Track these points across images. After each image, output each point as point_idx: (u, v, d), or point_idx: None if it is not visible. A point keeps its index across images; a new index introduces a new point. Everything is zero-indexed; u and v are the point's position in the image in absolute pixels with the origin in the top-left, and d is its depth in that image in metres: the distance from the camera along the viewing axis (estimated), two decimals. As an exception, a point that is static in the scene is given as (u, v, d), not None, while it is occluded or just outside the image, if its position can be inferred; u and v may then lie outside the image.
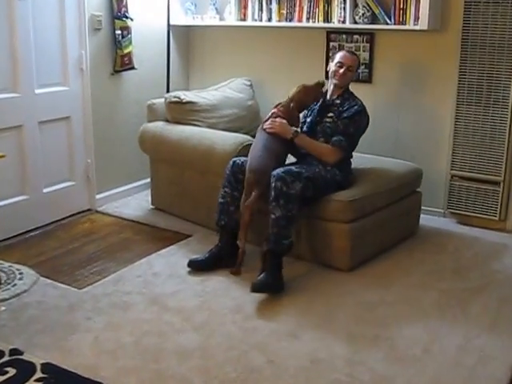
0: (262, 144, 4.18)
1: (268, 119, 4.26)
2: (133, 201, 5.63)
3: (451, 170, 5.05)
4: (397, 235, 4.63)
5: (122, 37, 5.23)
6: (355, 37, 5.27)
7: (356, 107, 4.30)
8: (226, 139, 4.62)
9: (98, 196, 5.42)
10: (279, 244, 3.91)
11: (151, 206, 5.42)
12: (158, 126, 5.06)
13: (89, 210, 5.39)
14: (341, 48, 5.28)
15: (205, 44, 6.04)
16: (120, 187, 5.63)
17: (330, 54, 5.35)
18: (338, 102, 4.34)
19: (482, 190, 4.96)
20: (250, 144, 4.45)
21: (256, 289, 3.80)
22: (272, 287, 3.86)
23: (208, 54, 6.04)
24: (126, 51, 5.30)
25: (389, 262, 4.40)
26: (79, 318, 3.61)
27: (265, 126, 4.20)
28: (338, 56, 4.38)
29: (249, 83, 5.60)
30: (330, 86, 4.39)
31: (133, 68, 5.43)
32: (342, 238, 4.15)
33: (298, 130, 4.31)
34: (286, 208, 3.90)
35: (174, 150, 4.90)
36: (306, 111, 4.46)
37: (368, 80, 5.29)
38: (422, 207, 4.94)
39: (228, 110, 5.25)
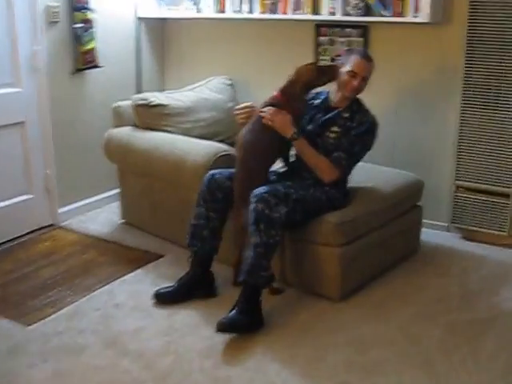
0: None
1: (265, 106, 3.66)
2: (102, 214, 5.06)
3: (456, 180, 4.50)
4: (395, 256, 4.09)
5: (83, 31, 4.66)
6: (347, 30, 4.70)
7: (367, 125, 3.71)
8: (198, 149, 4.04)
9: (60, 210, 4.85)
10: (256, 276, 3.34)
11: (121, 220, 4.86)
12: (124, 133, 4.48)
13: (51, 225, 4.84)
14: (333, 42, 4.73)
15: (181, 39, 5.45)
16: (86, 199, 5.07)
17: (320, 50, 4.80)
18: (346, 115, 3.72)
19: (490, 203, 4.42)
20: (227, 155, 3.88)
21: (222, 328, 3.26)
22: (243, 326, 3.30)
23: (185, 49, 5.46)
24: (87, 47, 4.73)
25: (386, 288, 3.85)
26: (20, 366, 3.07)
27: (263, 115, 3.60)
28: (352, 62, 3.65)
29: (229, 82, 5.03)
30: (335, 93, 3.78)
31: (97, 66, 4.85)
32: (332, 264, 3.61)
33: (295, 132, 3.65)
34: (267, 234, 3.33)
35: (141, 161, 4.33)
36: (306, 117, 3.84)
37: (361, 79, 4.68)
38: (424, 220, 4.40)
39: (205, 114, 4.68)
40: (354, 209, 3.70)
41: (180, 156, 4.06)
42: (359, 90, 3.68)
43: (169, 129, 4.46)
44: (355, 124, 3.69)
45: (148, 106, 4.42)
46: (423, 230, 4.42)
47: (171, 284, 3.71)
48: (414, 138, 4.64)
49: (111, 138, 4.54)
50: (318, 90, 3.80)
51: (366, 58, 3.69)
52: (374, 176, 4.15)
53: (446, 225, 4.63)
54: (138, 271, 4.08)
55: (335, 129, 3.70)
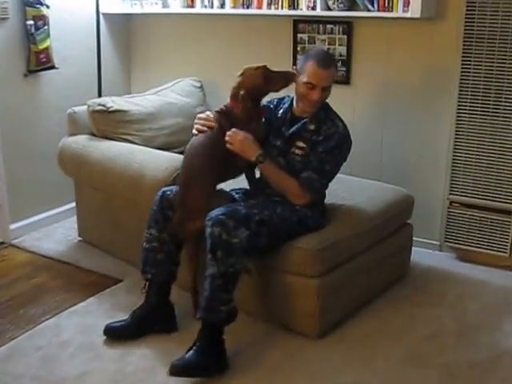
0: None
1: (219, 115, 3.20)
2: (58, 230, 4.54)
3: (450, 194, 3.99)
4: (382, 282, 3.60)
5: (36, 28, 4.13)
6: (329, 27, 4.19)
7: (336, 137, 3.17)
8: (158, 162, 3.53)
9: (12, 226, 4.35)
10: (215, 312, 2.85)
11: (78, 238, 4.34)
12: (79, 142, 3.96)
13: (1, 243, 4.32)
14: (313, 40, 4.20)
15: (148, 37, 4.93)
16: (41, 213, 4.55)
17: (298, 49, 4.29)
18: (311, 127, 3.19)
19: (488, 220, 3.92)
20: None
21: (175, 371, 2.78)
22: (201, 370, 2.81)
23: (152, 49, 4.93)
24: (41, 46, 4.21)
25: (371, 321, 3.35)
26: None
27: (227, 139, 3.08)
28: (307, 71, 3.08)
29: (198, 85, 4.52)
30: (296, 103, 3.26)
31: (52, 67, 4.33)
32: (308, 297, 3.10)
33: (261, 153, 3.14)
34: (226, 263, 2.84)
35: (96, 175, 3.83)
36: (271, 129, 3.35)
37: (345, 81, 4.21)
38: (414, 238, 3.89)
39: (169, 120, 4.16)
40: (334, 231, 3.20)
41: (137, 170, 3.55)
42: (320, 101, 3.15)
43: (128, 138, 3.96)
44: (322, 137, 3.16)
45: (105, 112, 3.91)
46: (413, 248, 3.92)
47: (126, 315, 3.22)
48: (402, 147, 4.14)
49: (65, 148, 4.03)
50: (282, 94, 3.31)
51: (324, 65, 3.07)
52: (358, 191, 3.66)
53: (438, 243, 4.14)
54: (91, 300, 3.58)
55: (301, 144, 3.19)
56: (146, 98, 4.21)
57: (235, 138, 3.06)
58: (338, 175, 3.63)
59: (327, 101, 3.23)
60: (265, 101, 3.31)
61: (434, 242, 4.15)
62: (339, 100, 3.79)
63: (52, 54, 4.29)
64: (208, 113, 3.26)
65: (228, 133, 3.06)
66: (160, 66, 4.90)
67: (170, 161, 3.51)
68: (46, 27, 4.19)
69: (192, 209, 3.04)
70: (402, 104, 4.07)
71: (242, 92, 3.05)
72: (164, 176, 3.40)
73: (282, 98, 3.35)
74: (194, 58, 4.74)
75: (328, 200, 3.40)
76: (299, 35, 4.28)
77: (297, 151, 3.17)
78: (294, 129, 3.21)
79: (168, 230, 3.15)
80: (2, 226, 4.29)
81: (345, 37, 4.13)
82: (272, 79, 3.07)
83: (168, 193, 3.17)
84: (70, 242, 4.34)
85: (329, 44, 4.18)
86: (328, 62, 3.12)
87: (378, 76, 4.09)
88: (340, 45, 4.16)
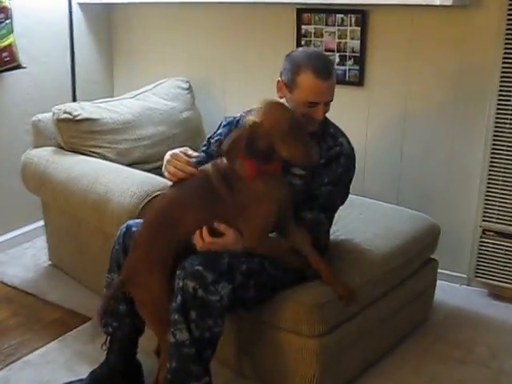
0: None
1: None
2: (29, 251, 3.93)
3: (482, 221, 3.27)
4: (397, 335, 2.93)
5: (-4, 23, 3.48)
6: (339, 17, 3.48)
7: (343, 159, 2.52)
8: (126, 185, 2.86)
9: (-29, 250, 3.70)
10: None
11: (49, 262, 3.74)
12: (43, 157, 3.33)
13: (-40, 269, 3.69)
14: (320, 33, 3.52)
15: (132, 30, 4.25)
16: (9, 233, 3.92)
17: (303, 44, 3.58)
18: None
19: (528, 252, 3.21)
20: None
21: None
22: None
23: (137, 44, 4.26)
24: (3, 44, 3.57)
25: (383, 384, 2.66)
26: None
27: (195, 242, 2.33)
28: (304, 86, 2.38)
29: (186, 86, 3.84)
30: None
31: (18, 67, 3.68)
32: (305, 361, 2.44)
33: None
34: (201, 326, 2.20)
35: (59, 196, 3.21)
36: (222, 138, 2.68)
37: (358, 81, 3.51)
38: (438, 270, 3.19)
39: (149, 129, 3.52)
40: (341, 277, 2.50)
41: (102, 194, 2.90)
42: (323, 117, 2.48)
43: (99, 151, 3.31)
44: (324, 160, 2.50)
45: (71, 120, 3.26)
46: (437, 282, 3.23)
47: (89, 368, 2.61)
48: (426, 163, 3.42)
49: (27, 163, 3.40)
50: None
51: (324, 75, 2.36)
52: (371, 219, 2.99)
53: (467, 277, 3.44)
54: (52, 345, 2.97)
55: (299, 172, 2.50)
56: (123, 102, 3.55)
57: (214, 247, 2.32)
58: (349, 197, 3.04)
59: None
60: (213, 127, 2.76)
61: (462, 275, 3.45)
62: (350, 105, 3.15)
63: (17, 52, 3.64)
64: (188, 151, 2.47)
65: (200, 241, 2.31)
66: (146, 64, 4.23)
67: (140, 184, 2.83)
68: (7, 21, 3.55)
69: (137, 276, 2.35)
70: (427, 111, 3.34)
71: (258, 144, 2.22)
72: (131, 203, 2.75)
73: None
74: (183, 55, 4.06)
75: (333, 231, 2.73)
76: (304, 27, 3.59)
77: (294, 181, 2.50)
78: None
79: None
80: (-39, 248, 3.68)
81: (358, 29, 3.43)
82: (297, 138, 2.22)
83: (134, 229, 2.51)
84: (38, 266, 3.72)
85: (339, 38, 3.49)
86: (328, 68, 2.42)
87: (398, 76, 3.38)
88: (352, 38, 3.46)
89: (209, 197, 2.28)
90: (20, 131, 3.76)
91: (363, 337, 2.63)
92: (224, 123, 2.70)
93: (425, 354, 2.87)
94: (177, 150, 2.44)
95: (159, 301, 2.28)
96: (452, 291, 3.40)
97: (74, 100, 3.90)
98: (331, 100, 2.44)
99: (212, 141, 2.69)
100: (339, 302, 2.41)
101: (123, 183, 2.86)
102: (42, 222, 3.75)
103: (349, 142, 2.57)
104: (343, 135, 2.58)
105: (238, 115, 2.67)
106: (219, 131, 2.70)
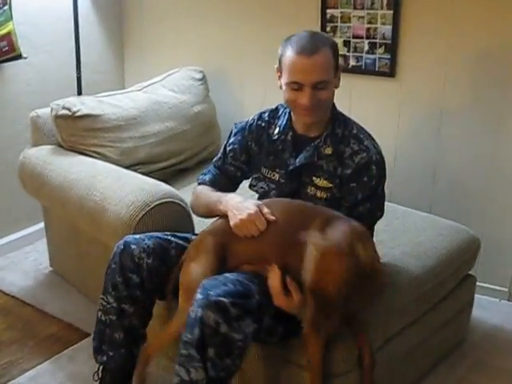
0: None
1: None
2: (31, 255, 3.64)
3: (527, 231, 2.86)
4: (427, 363, 2.57)
5: (-8, 9, 3.18)
6: (369, -1, 3.09)
7: (374, 169, 2.14)
8: (123, 193, 2.52)
9: (-30, 254, 3.43)
10: None
11: (50, 268, 3.45)
12: (40, 157, 3.02)
13: (-42, 274, 3.42)
14: (347, 18, 3.16)
15: (143, 16, 3.91)
16: (9, 235, 3.65)
17: (328, 30, 3.21)
18: (327, 151, 2.18)
19: None
20: (166, 203, 2.39)
21: None
22: None
23: (148, 31, 3.90)
24: (1, 32, 3.25)
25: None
26: None
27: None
28: (287, 65, 2.07)
29: (199, 76, 3.49)
30: (293, 118, 2.25)
31: (19, 57, 3.37)
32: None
33: None
34: (219, 366, 1.87)
35: (56, 202, 2.89)
36: (236, 147, 2.37)
37: (388, 72, 3.12)
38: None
39: (157, 125, 3.18)
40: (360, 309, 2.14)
41: (99, 202, 2.57)
42: (318, 107, 2.10)
43: (101, 150, 2.99)
44: (351, 171, 2.14)
45: (70, 117, 2.93)
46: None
47: None
48: (464, 167, 3.02)
49: (25, 163, 3.08)
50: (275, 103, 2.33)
51: (307, 50, 2.03)
52: (401, 231, 2.62)
53: (508, 291, 3.06)
54: (45, 365, 2.69)
55: (322, 183, 2.17)
56: (128, 96, 3.21)
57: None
58: None
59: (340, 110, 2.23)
60: (255, 114, 2.35)
61: (502, 289, 3.08)
62: (380, 99, 2.77)
63: (17, 41, 3.33)
64: (264, 209, 2.09)
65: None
66: (159, 53, 3.89)
67: (138, 192, 2.48)
68: (5, 7, 3.24)
69: None
70: (467, 105, 2.95)
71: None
72: (128, 214, 2.41)
73: (276, 110, 2.33)
74: (198, 41, 3.70)
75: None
76: (329, 11, 3.21)
77: (318, 193, 2.17)
78: (301, 158, 2.20)
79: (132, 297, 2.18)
80: (-41, 253, 3.40)
81: (390, 12, 3.03)
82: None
83: (133, 247, 2.17)
84: (39, 272, 3.44)
85: (368, 23, 3.11)
86: (314, 44, 2.04)
87: (434, 66, 2.98)
88: (383, 24, 3.07)
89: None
90: (22, 127, 3.44)
91: (389, 370, 2.28)
92: (235, 131, 2.38)
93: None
94: (256, 209, 2.07)
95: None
96: (491, 307, 3.03)
97: (80, 92, 3.58)
98: (323, 81, 2.05)
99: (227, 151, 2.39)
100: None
101: (120, 190, 2.52)
102: (39, 226, 3.47)
103: (376, 145, 2.20)
104: (369, 137, 2.21)
105: (250, 118, 2.34)
106: (231, 140, 2.37)
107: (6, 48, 3.29)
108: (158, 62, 3.86)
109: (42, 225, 3.47)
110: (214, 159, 2.44)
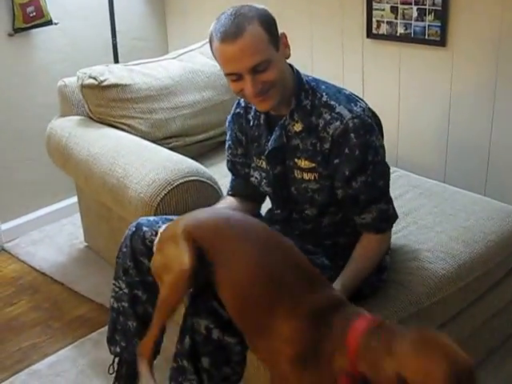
0: None
1: None
2: (66, 228, 3.51)
3: None
4: (477, 355, 2.28)
5: (19, -28, 3.00)
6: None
7: (353, 136, 1.80)
8: (145, 170, 2.31)
9: (4, 226, 3.33)
10: None
11: (85, 243, 3.29)
12: (66, 129, 2.84)
13: (-10, 247, 3.33)
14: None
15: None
16: (41, 209, 3.51)
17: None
18: (298, 128, 1.89)
19: None
20: (191, 181, 2.17)
21: None
22: None
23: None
24: (28, -4, 3.05)
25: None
26: None
27: None
28: (217, 57, 1.80)
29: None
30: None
31: (49, 23, 3.19)
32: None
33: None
34: (216, 376, 1.69)
35: (81, 176, 2.72)
36: (230, 143, 2.15)
37: (439, 40, 2.78)
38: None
39: (192, 95, 2.95)
40: (401, 299, 1.95)
41: (120, 180, 2.38)
42: (269, 87, 1.79)
43: (130, 122, 2.80)
44: (329, 145, 1.83)
45: (97, 86, 2.73)
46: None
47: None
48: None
49: (52, 134, 2.92)
50: None
51: (230, 35, 1.72)
52: (449, 213, 2.35)
53: None
54: (67, 350, 2.55)
55: (304, 163, 1.89)
56: (162, 64, 2.99)
57: None
58: (424, 182, 2.59)
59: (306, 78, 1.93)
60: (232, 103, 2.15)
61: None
62: (429, 69, 2.53)
63: (45, 6, 3.16)
64: None
65: None
66: (202, 16, 3.63)
67: (161, 169, 2.27)
68: (31, -30, 3.05)
69: None
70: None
71: None
72: (149, 194, 2.21)
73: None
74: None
75: (399, 229, 2.15)
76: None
77: (305, 176, 1.90)
78: (272, 141, 1.93)
79: (144, 282, 1.98)
80: (-10, 226, 3.29)
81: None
82: None
83: (145, 229, 1.97)
84: (73, 248, 3.31)
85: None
86: (236, 26, 1.72)
87: (488, 34, 2.64)
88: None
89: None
90: (54, 96, 3.22)
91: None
92: (226, 126, 2.17)
93: (510, 382, 2.25)
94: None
95: None
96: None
97: (116, 61, 3.38)
98: (262, 62, 1.73)
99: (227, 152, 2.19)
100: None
101: (142, 167, 2.32)
102: (73, 199, 3.33)
103: (354, 108, 1.83)
104: (345, 100, 1.85)
105: (233, 108, 2.11)
106: (227, 137, 2.17)
107: (34, 13, 3.14)
108: (201, 26, 3.59)
109: (71, 200, 3.35)
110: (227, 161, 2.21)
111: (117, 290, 2.03)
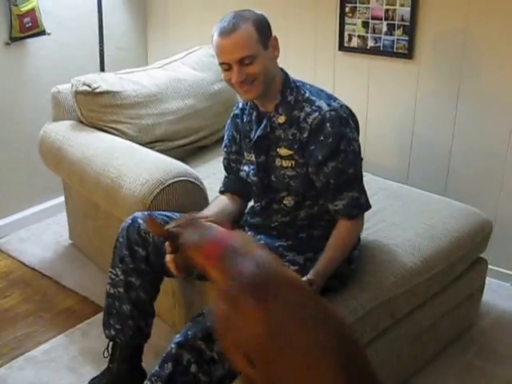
0: None
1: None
2: (51, 227, 3.60)
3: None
4: (435, 347, 2.50)
5: (16, -14, 3.12)
6: (388, -21, 2.97)
7: (328, 126, 2.00)
8: (139, 170, 2.45)
9: (-4, 224, 3.40)
10: None
11: (69, 241, 3.41)
12: (60, 132, 2.96)
13: (-17, 244, 3.41)
14: (363, 0, 3.00)
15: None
16: (30, 208, 3.62)
17: (347, 11, 3.11)
18: (281, 119, 2.09)
19: None
20: (181, 181, 2.31)
21: None
22: None
23: (171, 7, 3.83)
24: (25, 8, 3.21)
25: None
26: None
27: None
28: (214, 48, 2.04)
29: (220, 55, 3.36)
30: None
31: (42, 33, 3.32)
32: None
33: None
34: None
35: (74, 177, 2.84)
36: (227, 142, 2.34)
37: (407, 54, 3.00)
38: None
39: (176, 102, 3.09)
40: (372, 288, 2.10)
41: (114, 179, 2.51)
42: (252, 80, 1.99)
43: (119, 127, 2.92)
44: (307, 134, 2.03)
45: (91, 93, 2.86)
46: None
47: (92, 370, 2.33)
48: (479, 150, 2.90)
49: (45, 137, 3.03)
50: None
51: (226, 30, 1.96)
52: (414, 212, 2.54)
53: (517, 275, 2.94)
54: (58, 339, 2.66)
55: (285, 151, 2.08)
56: (149, 73, 3.13)
57: None
58: (389, 184, 2.73)
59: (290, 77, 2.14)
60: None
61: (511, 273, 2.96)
62: (397, 80, 2.71)
63: (40, 17, 3.29)
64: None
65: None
66: (182, 30, 3.80)
67: (154, 169, 2.41)
68: (28, -16, 3.17)
69: None
70: (484, 90, 2.82)
71: None
72: (142, 192, 2.35)
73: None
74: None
75: (369, 226, 2.31)
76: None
77: (284, 163, 2.10)
78: (257, 132, 2.13)
79: (138, 269, 2.13)
80: (-18, 224, 3.38)
81: (408, -6, 2.91)
82: None
83: (140, 221, 2.14)
84: (58, 245, 3.40)
85: (387, 4, 2.98)
86: (233, 24, 1.96)
87: (452, 48, 2.86)
88: (402, 5, 2.93)
89: None
90: (45, 101, 3.33)
91: (396, 353, 2.23)
92: (225, 130, 2.36)
93: (466, 371, 2.43)
94: None
95: None
96: (502, 291, 2.93)
97: (102, 69, 3.51)
98: (248, 56, 1.96)
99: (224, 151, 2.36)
100: (370, 317, 1.98)
101: (136, 167, 2.47)
102: (60, 199, 3.43)
103: (331, 103, 2.04)
104: (325, 97, 2.07)
105: (233, 109, 2.32)
106: (224, 138, 2.35)
107: (30, 24, 3.25)
108: (180, 39, 3.77)
109: (63, 198, 3.42)
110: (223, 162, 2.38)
111: (113, 277, 2.17)
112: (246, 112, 2.21)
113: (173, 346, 1.80)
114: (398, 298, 2.12)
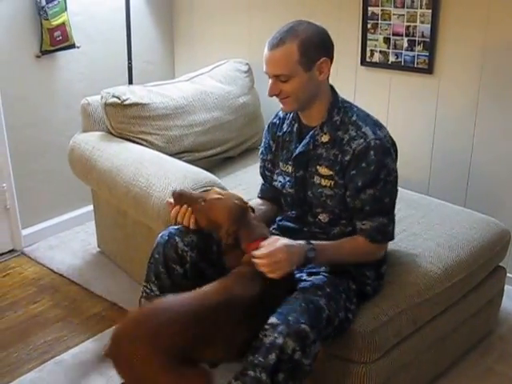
0: None
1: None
2: (80, 235, 3.66)
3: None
4: (456, 352, 2.51)
5: (48, 1, 3.18)
6: (409, -3, 3.00)
7: (372, 154, 2.00)
8: (167, 180, 2.50)
9: (24, 232, 3.48)
10: None
11: (98, 249, 3.45)
12: (90, 142, 3.01)
13: (12, 251, 3.48)
14: (388, 16, 3.07)
15: (193, 8, 3.88)
16: (58, 216, 3.67)
17: (369, 27, 3.13)
18: (324, 139, 2.09)
19: None
20: (209, 190, 2.35)
21: None
22: None
23: (198, 23, 3.88)
24: (55, 22, 3.26)
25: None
26: None
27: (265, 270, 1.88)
28: (263, 56, 2.05)
29: (245, 68, 3.46)
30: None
31: (72, 46, 3.38)
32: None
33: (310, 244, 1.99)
34: None
35: (103, 185, 2.90)
36: (263, 149, 2.36)
37: (427, 69, 3.02)
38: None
39: (203, 114, 3.15)
40: (395, 297, 2.12)
41: (143, 188, 2.56)
42: (287, 96, 2.02)
43: (148, 138, 2.98)
44: (349, 157, 2.03)
45: (120, 105, 2.92)
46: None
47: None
48: (498, 162, 2.92)
49: (75, 147, 3.08)
50: None
51: (270, 45, 1.99)
52: (435, 223, 2.56)
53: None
54: (87, 344, 2.70)
55: (325, 171, 2.09)
56: (177, 86, 3.19)
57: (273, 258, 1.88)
58: (411, 195, 2.73)
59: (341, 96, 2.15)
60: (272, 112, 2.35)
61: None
62: (417, 94, 2.73)
63: (70, 31, 3.35)
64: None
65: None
66: (208, 44, 3.85)
67: (182, 179, 2.47)
68: (60, -1, 3.23)
69: None
70: (502, 101, 2.84)
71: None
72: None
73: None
74: (245, 35, 3.65)
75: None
76: (370, 9, 3.13)
77: (323, 182, 2.10)
78: (300, 147, 2.14)
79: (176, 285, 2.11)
80: (13, 231, 3.45)
81: (429, 11, 2.93)
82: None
83: (177, 239, 2.11)
84: (87, 252, 3.45)
85: (408, 21, 3.01)
86: (279, 39, 1.97)
87: (471, 64, 2.89)
88: (422, 22, 2.97)
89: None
90: (74, 113, 3.41)
91: (418, 358, 2.24)
92: (263, 134, 2.38)
93: (487, 376, 2.45)
94: None
95: None
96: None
97: (131, 82, 3.57)
98: (285, 75, 1.98)
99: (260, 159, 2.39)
100: (392, 324, 2.01)
101: (165, 177, 2.51)
102: (88, 208, 3.49)
103: (378, 131, 2.04)
104: (372, 123, 2.06)
105: (272, 116, 2.34)
106: (261, 146, 2.37)
107: (60, 37, 3.31)
108: (206, 54, 3.82)
109: (92, 207, 3.47)
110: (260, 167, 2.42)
111: (148, 291, 2.15)
112: (288, 122, 2.22)
113: (275, 335, 1.75)
114: (420, 306, 2.14)
